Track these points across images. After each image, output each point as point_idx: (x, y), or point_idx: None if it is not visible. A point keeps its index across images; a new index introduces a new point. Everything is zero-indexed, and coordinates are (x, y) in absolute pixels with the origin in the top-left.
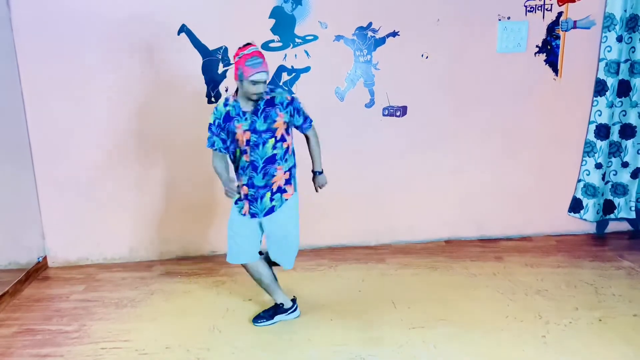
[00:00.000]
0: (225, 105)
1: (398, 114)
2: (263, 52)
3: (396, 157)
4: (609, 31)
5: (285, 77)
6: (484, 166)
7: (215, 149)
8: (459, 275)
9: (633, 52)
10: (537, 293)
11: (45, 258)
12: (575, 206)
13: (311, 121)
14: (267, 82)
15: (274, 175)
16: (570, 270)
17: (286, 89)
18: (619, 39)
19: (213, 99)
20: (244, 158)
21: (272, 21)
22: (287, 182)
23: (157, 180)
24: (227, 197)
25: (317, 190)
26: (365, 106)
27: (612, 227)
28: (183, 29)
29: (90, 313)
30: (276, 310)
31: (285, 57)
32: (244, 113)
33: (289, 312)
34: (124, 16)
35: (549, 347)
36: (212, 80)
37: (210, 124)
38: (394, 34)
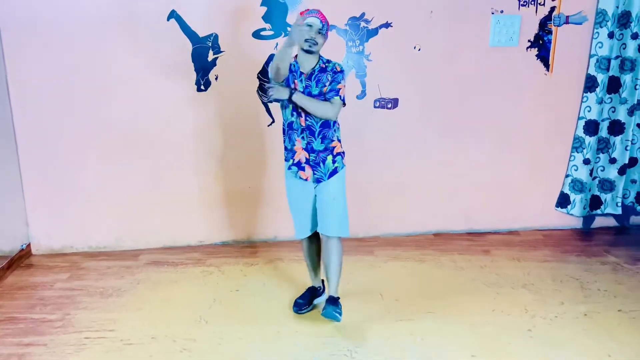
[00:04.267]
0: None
1: (389, 106)
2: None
3: (386, 149)
4: (601, 27)
5: None
6: (474, 160)
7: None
8: (447, 268)
9: (624, 48)
10: (524, 287)
11: (28, 245)
12: (563, 201)
13: (337, 97)
14: (320, 31)
15: (332, 140)
16: (557, 265)
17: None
18: (611, 35)
19: (202, 87)
20: (300, 121)
21: (264, 9)
22: (342, 152)
23: (144, 169)
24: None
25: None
26: (357, 98)
27: (599, 222)
28: (173, 14)
29: (75, 302)
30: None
31: (276, 46)
32: (301, 74)
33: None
34: (113, 1)
35: (535, 340)
36: (202, 68)
37: None
38: (387, 25)
